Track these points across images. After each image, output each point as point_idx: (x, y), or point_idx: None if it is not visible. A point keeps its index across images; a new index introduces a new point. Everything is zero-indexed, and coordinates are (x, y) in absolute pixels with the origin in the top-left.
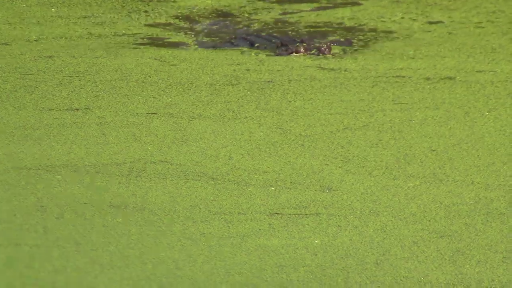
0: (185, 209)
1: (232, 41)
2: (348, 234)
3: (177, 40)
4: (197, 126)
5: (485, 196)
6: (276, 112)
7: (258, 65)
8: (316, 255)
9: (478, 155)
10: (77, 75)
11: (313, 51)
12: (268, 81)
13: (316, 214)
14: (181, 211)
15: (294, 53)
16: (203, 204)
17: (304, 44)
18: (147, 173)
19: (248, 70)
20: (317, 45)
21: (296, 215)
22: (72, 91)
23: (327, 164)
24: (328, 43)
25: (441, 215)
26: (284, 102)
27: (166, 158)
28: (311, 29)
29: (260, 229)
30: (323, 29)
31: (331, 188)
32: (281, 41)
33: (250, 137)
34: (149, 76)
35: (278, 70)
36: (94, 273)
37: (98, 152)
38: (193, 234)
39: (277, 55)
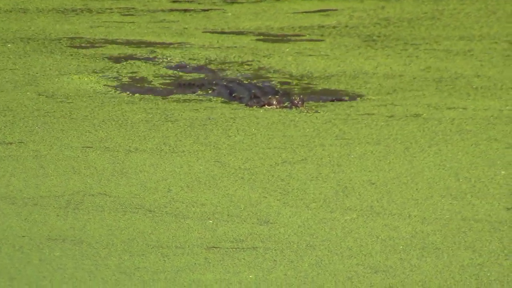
0: (122, 242)
1: (214, 88)
2: (283, 269)
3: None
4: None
5: (422, 230)
6: (214, 146)
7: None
8: None
9: (416, 189)
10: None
11: (285, 104)
12: (209, 118)
13: (253, 248)
14: (119, 244)
15: (266, 106)
16: (140, 237)
17: (276, 97)
18: (85, 205)
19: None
20: (290, 97)
21: (233, 249)
22: (4, 126)
23: (265, 197)
24: (301, 96)
25: (377, 249)
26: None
27: (104, 191)
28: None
29: (195, 263)
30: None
31: (268, 221)
32: (253, 94)
33: (189, 170)
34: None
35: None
36: None
37: (36, 184)
38: (128, 268)
39: (249, 106)
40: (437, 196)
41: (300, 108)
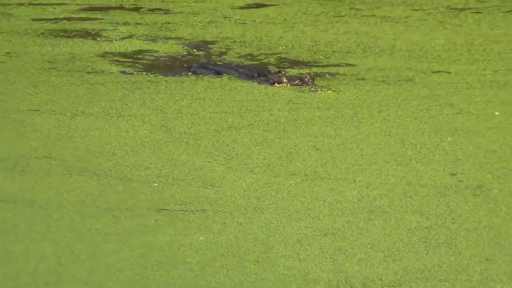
0: (72, 204)
1: (191, 69)
2: (233, 231)
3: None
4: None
5: (368, 194)
6: (161, 110)
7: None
8: (198, 252)
9: (361, 155)
10: None
11: (296, 82)
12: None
13: (202, 210)
14: (69, 206)
15: (276, 84)
16: (89, 200)
17: (287, 75)
18: (31, 168)
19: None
20: (301, 75)
21: (182, 211)
22: None
23: (209, 161)
24: (311, 74)
25: (325, 212)
26: (170, 101)
27: (50, 154)
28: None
29: (146, 225)
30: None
31: (213, 185)
32: (258, 71)
33: (135, 134)
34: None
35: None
36: None
37: None
38: (79, 230)
39: (259, 83)
40: (382, 162)
41: (310, 86)
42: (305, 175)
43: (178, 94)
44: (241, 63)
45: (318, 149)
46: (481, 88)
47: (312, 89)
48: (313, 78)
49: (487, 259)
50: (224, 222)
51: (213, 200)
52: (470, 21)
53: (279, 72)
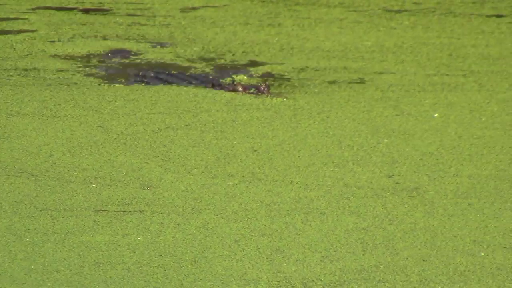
0: (11, 205)
1: (145, 79)
2: (171, 232)
3: None
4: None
5: (305, 195)
6: (96, 111)
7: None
8: (135, 252)
9: (298, 156)
10: None
11: (251, 90)
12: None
13: (140, 211)
14: (7, 207)
15: (232, 91)
16: (27, 200)
17: (242, 83)
18: None
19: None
20: (255, 84)
21: (120, 212)
22: None
23: (147, 163)
24: (267, 82)
25: (262, 213)
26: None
27: None
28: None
29: (84, 226)
30: None
31: (151, 186)
32: (212, 82)
33: (72, 135)
34: None
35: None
36: None
37: None
38: (18, 230)
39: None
40: (319, 164)
41: (266, 94)
42: (243, 176)
43: (111, 95)
44: (193, 73)
45: (255, 151)
46: (423, 90)
47: (268, 97)
48: (269, 87)
49: (424, 260)
50: (162, 223)
51: (151, 201)
52: (406, 23)
53: (233, 81)
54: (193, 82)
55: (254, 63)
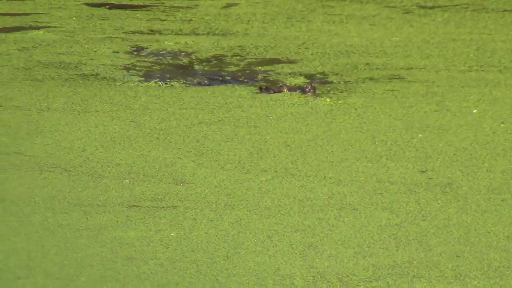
0: (44, 200)
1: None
2: (204, 227)
3: None
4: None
5: (338, 191)
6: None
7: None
8: (167, 247)
9: (332, 151)
10: None
11: (297, 92)
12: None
13: (173, 206)
14: (41, 202)
15: (277, 92)
16: (60, 196)
17: (287, 84)
18: (0, 164)
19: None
20: (302, 86)
21: (153, 208)
22: None
23: (180, 158)
24: (313, 84)
25: (295, 209)
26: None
27: (19, 150)
28: None
29: (117, 221)
30: None
31: (184, 181)
32: (260, 86)
33: (105, 130)
34: None
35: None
36: None
37: None
38: (51, 225)
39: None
40: (352, 159)
41: (312, 96)
42: (276, 171)
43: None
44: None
45: (288, 146)
46: (466, 86)
47: (314, 99)
48: (315, 88)
49: (457, 256)
50: (194, 218)
51: (184, 197)
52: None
53: (280, 82)
54: (231, 82)
55: (289, 61)
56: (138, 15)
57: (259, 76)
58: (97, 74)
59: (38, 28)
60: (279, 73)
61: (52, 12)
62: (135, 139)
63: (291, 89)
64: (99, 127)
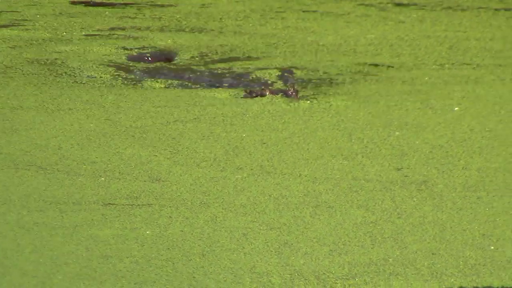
0: (19, 198)
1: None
2: (179, 225)
3: None
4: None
5: (313, 189)
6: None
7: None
8: (143, 245)
9: (307, 149)
10: None
11: (279, 95)
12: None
13: (148, 204)
14: (16, 200)
15: (259, 96)
16: (36, 194)
17: (270, 88)
18: None
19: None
20: (283, 88)
21: (129, 206)
22: None
23: (156, 155)
24: (295, 87)
25: (270, 207)
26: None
27: None
28: None
29: (93, 219)
30: None
31: (159, 179)
32: (244, 89)
33: (80, 128)
34: None
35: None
36: None
37: None
38: (26, 223)
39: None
40: (328, 156)
41: (295, 99)
42: (251, 169)
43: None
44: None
45: (264, 143)
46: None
47: (296, 102)
48: (297, 91)
49: (433, 253)
50: (170, 216)
51: (159, 195)
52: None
53: (262, 85)
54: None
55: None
56: (107, 12)
57: (235, 73)
58: (70, 72)
59: (7, 26)
60: (254, 71)
61: (21, 9)
62: (110, 137)
63: (274, 92)
64: (74, 125)
